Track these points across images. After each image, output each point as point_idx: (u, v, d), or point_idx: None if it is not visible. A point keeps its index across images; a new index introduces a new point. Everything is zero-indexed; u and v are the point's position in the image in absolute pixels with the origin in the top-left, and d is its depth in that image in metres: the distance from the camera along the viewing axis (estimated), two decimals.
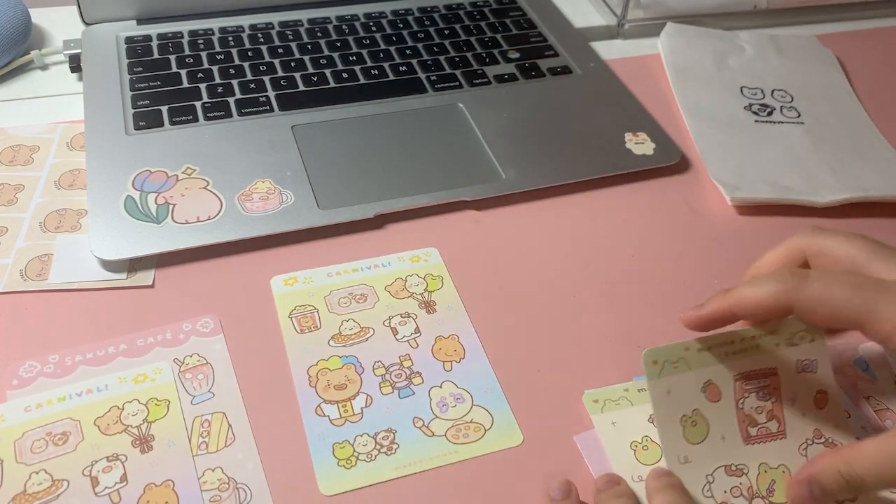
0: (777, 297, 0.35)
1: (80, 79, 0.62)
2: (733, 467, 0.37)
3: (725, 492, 0.36)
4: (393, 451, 0.39)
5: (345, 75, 0.62)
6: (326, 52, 0.64)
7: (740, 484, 0.37)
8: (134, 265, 0.47)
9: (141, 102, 0.57)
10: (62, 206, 0.51)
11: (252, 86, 0.60)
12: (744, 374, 0.38)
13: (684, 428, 0.36)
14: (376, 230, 0.51)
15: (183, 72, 0.60)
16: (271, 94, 0.59)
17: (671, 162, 0.57)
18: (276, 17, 0.67)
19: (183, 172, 0.52)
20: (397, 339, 0.45)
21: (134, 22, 0.65)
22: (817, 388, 0.39)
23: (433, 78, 0.62)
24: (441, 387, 0.42)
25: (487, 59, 0.65)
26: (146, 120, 0.56)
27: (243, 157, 0.53)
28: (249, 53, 0.63)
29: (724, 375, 0.37)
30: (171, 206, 0.49)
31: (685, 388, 0.37)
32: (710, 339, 0.37)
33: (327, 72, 0.62)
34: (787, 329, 0.38)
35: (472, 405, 0.42)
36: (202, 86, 0.59)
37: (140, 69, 0.60)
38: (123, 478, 0.37)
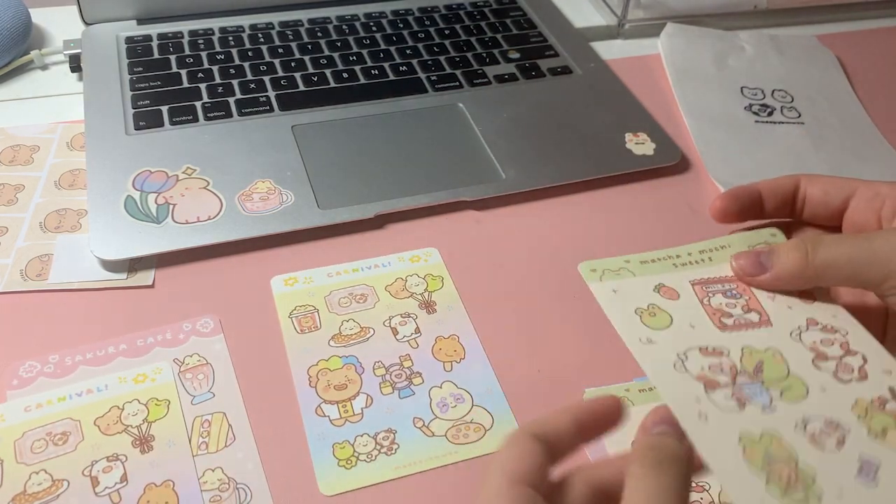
0: (793, 178, 0.35)
1: (80, 79, 0.62)
2: (710, 349, 0.31)
3: (702, 368, 0.30)
4: (393, 452, 0.39)
5: (345, 75, 0.62)
6: (326, 52, 0.64)
7: (720, 362, 0.30)
8: (134, 265, 0.47)
9: (141, 102, 0.57)
10: (62, 206, 0.51)
11: (252, 86, 0.60)
12: (701, 280, 0.33)
13: (641, 317, 0.32)
14: (376, 230, 0.51)
15: (183, 72, 0.60)
16: (271, 94, 0.59)
17: (671, 162, 0.57)
18: (276, 17, 0.67)
19: (183, 172, 0.52)
20: (397, 340, 0.45)
21: (134, 22, 0.65)
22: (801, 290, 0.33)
23: (433, 78, 0.62)
24: (441, 387, 0.42)
25: (487, 59, 0.65)
26: (146, 120, 0.56)
27: (243, 157, 0.53)
28: (249, 53, 0.63)
29: (678, 280, 0.33)
30: (171, 206, 0.49)
31: (633, 288, 0.32)
32: (651, 254, 0.33)
33: (327, 72, 0.62)
34: (743, 241, 0.34)
35: (473, 405, 0.42)
36: (202, 86, 0.59)
37: (140, 69, 0.60)
38: (123, 478, 0.37)
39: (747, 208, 0.35)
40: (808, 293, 0.33)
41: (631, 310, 0.32)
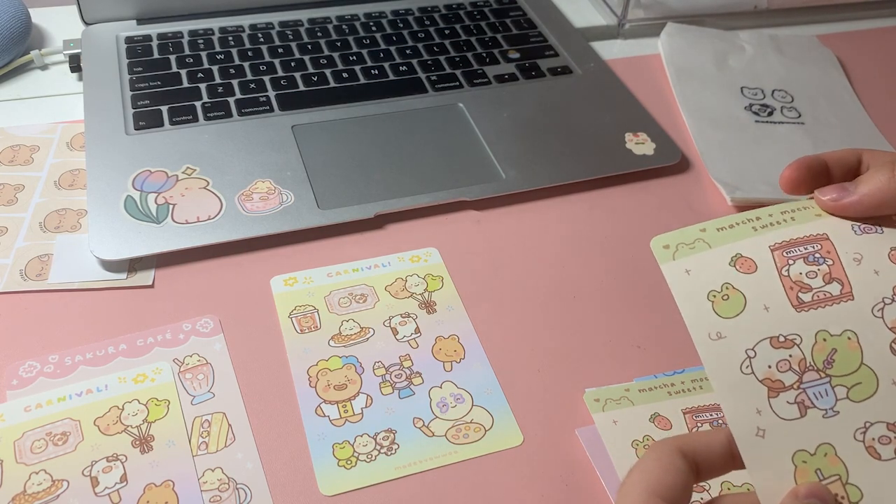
0: (855, 151, 0.32)
1: (80, 79, 0.62)
2: (781, 338, 0.29)
3: (770, 366, 0.29)
4: (393, 452, 0.39)
5: (345, 75, 0.62)
6: (326, 52, 0.64)
7: (790, 356, 0.29)
8: (134, 265, 0.47)
9: (141, 102, 0.57)
10: (62, 206, 0.51)
11: (252, 86, 0.60)
12: (783, 244, 0.31)
13: (714, 303, 0.30)
14: (376, 230, 0.51)
15: (183, 72, 0.60)
16: (271, 94, 0.59)
17: (671, 162, 0.57)
18: (276, 17, 0.67)
19: (183, 172, 0.52)
20: (397, 340, 0.45)
21: (134, 22, 0.65)
22: (891, 246, 0.31)
23: (433, 78, 0.62)
24: (441, 387, 0.42)
25: (487, 59, 0.65)
26: (146, 120, 0.56)
27: (243, 157, 0.53)
28: (249, 53, 0.63)
29: (757, 247, 0.30)
30: (171, 206, 0.49)
31: (708, 264, 0.30)
32: (729, 218, 0.31)
33: (327, 72, 0.62)
34: None
35: (473, 405, 0.42)
36: (202, 86, 0.59)
37: (140, 69, 0.60)
38: (123, 478, 0.37)
39: (816, 177, 0.33)
40: None
41: (703, 295, 0.30)
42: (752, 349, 0.29)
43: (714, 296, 0.30)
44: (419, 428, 0.40)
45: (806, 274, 0.30)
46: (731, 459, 0.29)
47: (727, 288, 0.30)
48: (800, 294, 0.30)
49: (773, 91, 0.65)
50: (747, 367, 0.29)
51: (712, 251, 0.31)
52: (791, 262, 0.30)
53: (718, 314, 0.30)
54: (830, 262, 0.30)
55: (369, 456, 0.39)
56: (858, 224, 0.31)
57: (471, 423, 0.41)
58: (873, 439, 0.28)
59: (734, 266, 0.30)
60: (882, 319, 0.29)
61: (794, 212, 0.32)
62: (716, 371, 0.29)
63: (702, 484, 0.39)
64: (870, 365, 0.29)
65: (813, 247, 0.31)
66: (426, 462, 0.39)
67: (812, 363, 0.29)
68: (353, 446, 0.39)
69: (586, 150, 0.57)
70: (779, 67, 0.68)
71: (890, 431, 0.28)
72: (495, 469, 0.39)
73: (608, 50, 0.70)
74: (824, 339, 0.29)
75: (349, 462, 0.39)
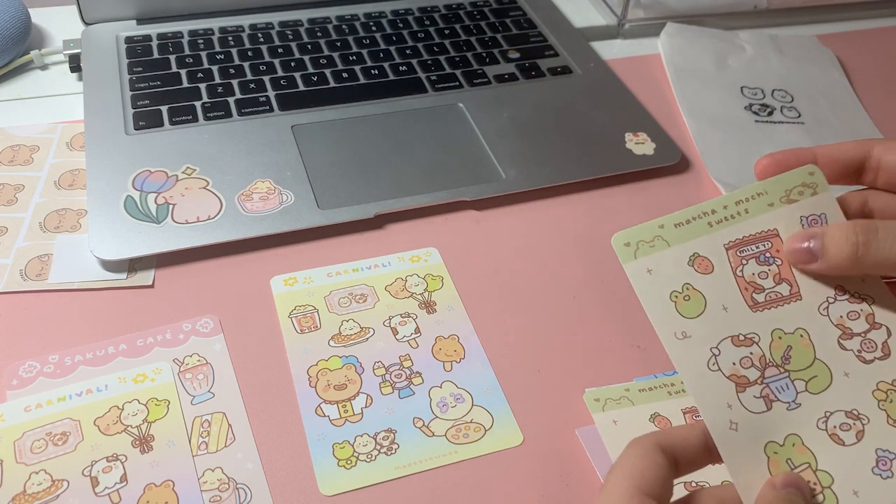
0: (862, 144, 0.32)
1: (80, 79, 0.62)
2: (741, 337, 0.31)
3: (734, 363, 0.31)
4: (393, 452, 0.39)
5: (345, 75, 0.62)
6: (326, 52, 0.64)
7: (751, 354, 0.31)
8: (134, 265, 0.47)
9: (141, 102, 0.57)
10: (62, 206, 0.51)
11: (252, 86, 0.60)
12: (736, 242, 0.32)
13: (676, 304, 0.32)
14: (376, 230, 0.51)
15: (183, 72, 0.60)
16: (271, 94, 0.59)
17: (671, 162, 0.57)
18: (276, 17, 0.67)
19: (183, 172, 0.52)
20: (397, 340, 0.45)
21: (134, 22, 0.65)
22: None
23: (433, 78, 0.62)
24: (441, 387, 0.42)
25: (487, 59, 0.65)
26: (146, 120, 0.56)
27: (243, 157, 0.53)
28: (249, 53, 0.63)
29: (713, 245, 0.32)
30: (171, 206, 0.49)
31: (668, 263, 0.32)
32: (685, 213, 0.33)
33: (327, 72, 0.62)
34: (779, 185, 0.33)
35: (473, 405, 0.42)
36: (202, 86, 0.59)
37: (140, 69, 0.60)
38: (123, 478, 0.37)
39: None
40: None
41: (666, 295, 0.31)
42: (716, 347, 0.31)
43: (676, 296, 0.32)
44: (419, 428, 0.40)
45: (758, 275, 0.32)
46: (707, 453, 0.30)
47: (687, 288, 0.32)
48: (754, 295, 0.32)
49: (773, 91, 0.65)
50: (714, 364, 0.31)
51: (671, 249, 0.32)
52: (744, 261, 0.32)
53: (681, 314, 0.31)
54: (780, 262, 0.32)
55: (369, 456, 0.39)
56: (805, 216, 0.33)
57: (471, 423, 0.41)
58: (835, 427, 0.30)
59: (693, 266, 0.32)
60: (828, 317, 0.32)
61: (747, 202, 0.33)
62: (685, 369, 0.31)
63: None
64: (822, 359, 0.31)
65: (764, 245, 0.33)
66: (426, 462, 0.39)
67: (771, 359, 0.31)
68: (353, 446, 0.39)
69: (586, 150, 0.57)
70: (779, 67, 0.68)
71: (848, 419, 0.30)
72: (495, 469, 0.39)
73: (608, 50, 0.70)
74: (780, 337, 0.32)
75: (349, 462, 0.39)
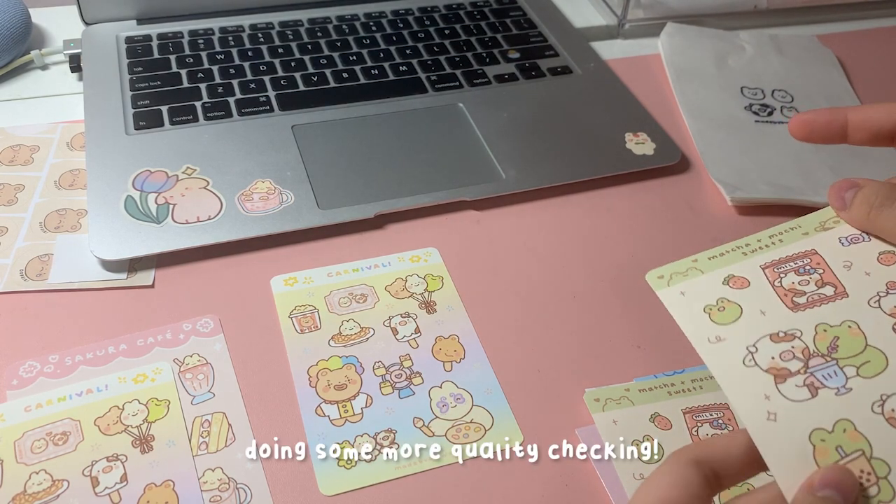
0: (892, 109, 0.32)
1: (80, 79, 0.62)
2: (781, 333, 0.29)
3: (773, 357, 0.29)
4: (393, 452, 0.39)
5: (345, 75, 0.62)
6: (326, 52, 0.64)
7: (792, 347, 0.29)
8: (134, 265, 0.47)
9: (141, 102, 0.57)
10: (62, 206, 0.51)
11: (252, 86, 0.60)
12: (773, 262, 0.31)
13: (710, 314, 0.30)
14: (376, 230, 0.51)
15: (183, 72, 0.60)
16: (271, 94, 0.59)
17: (671, 162, 0.57)
18: (276, 17, 0.67)
19: (183, 172, 0.52)
20: (397, 340, 0.45)
21: (134, 22, 0.65)
22: (879, 251, 0.31)
23: (433, 78, 0.62)
24: (441, 387, 0.42)
25: (487, 59, 0.65)
26: (146, 120, 0.56)
27: (243, 157, 0.53)
28: (249, 53, 0.63)
29: (748, 267, 0.31)
30: (171, 206, 0.49)
31: (702, 285, 0.31)
32: (719, 248, 0.32)
33: (327, 72, 0.62)
34: (813, 219, 0.32)
35: (473, 405, 0.42)
36: (202, 86, 0.59)
37: (140, 69, 0.60)
38: (123, 478, 0.37)
39: (825, 135, 0.33)
40: (891, 255, 0.31)
41: (699, 308, 0.31)
42: (753, 345, 0.29)
43: (710, 308, 0.31)
44: (419, 428, 0.40)
45: (798, 283, 0.31)
46: (752, 463, 0.28)
47: (722, 301, 0.31)
48: (794, 298, 0.30)
49: (773, 91, 0.65)
50: (750, 360, 0.29)
51: (705, 276, 0.32)
52: (783, 275, 0.31)
53: (715, 322, 0.30)
54: (821, 271, 0.31)
55: (369, 456, 0.39)
56: (845, 236, 0.32)
57: (471, 423, 0.41)
58: (893, 410, 0.27)
59: (727, 284, 0.31)
60: (880, 308, 0.30)
61: (781, 234, 0.33)
62: (719, 368, 0.29)
63: None
64: (875, 346, 0.29)
65: (803, 261, 0.31)
66: (426, 462, 0.39)
67: (816, 350, 0.29)
68: (353, 446, 0.39)
69: (586, 150, 0.57)
70: (779, 67, 0.68)
71: None
72: (495, 469, 0.39)
73: (608, 50, 0.70)
74: (825, 330, 0.29)
75: (349, 462, 0.39)
